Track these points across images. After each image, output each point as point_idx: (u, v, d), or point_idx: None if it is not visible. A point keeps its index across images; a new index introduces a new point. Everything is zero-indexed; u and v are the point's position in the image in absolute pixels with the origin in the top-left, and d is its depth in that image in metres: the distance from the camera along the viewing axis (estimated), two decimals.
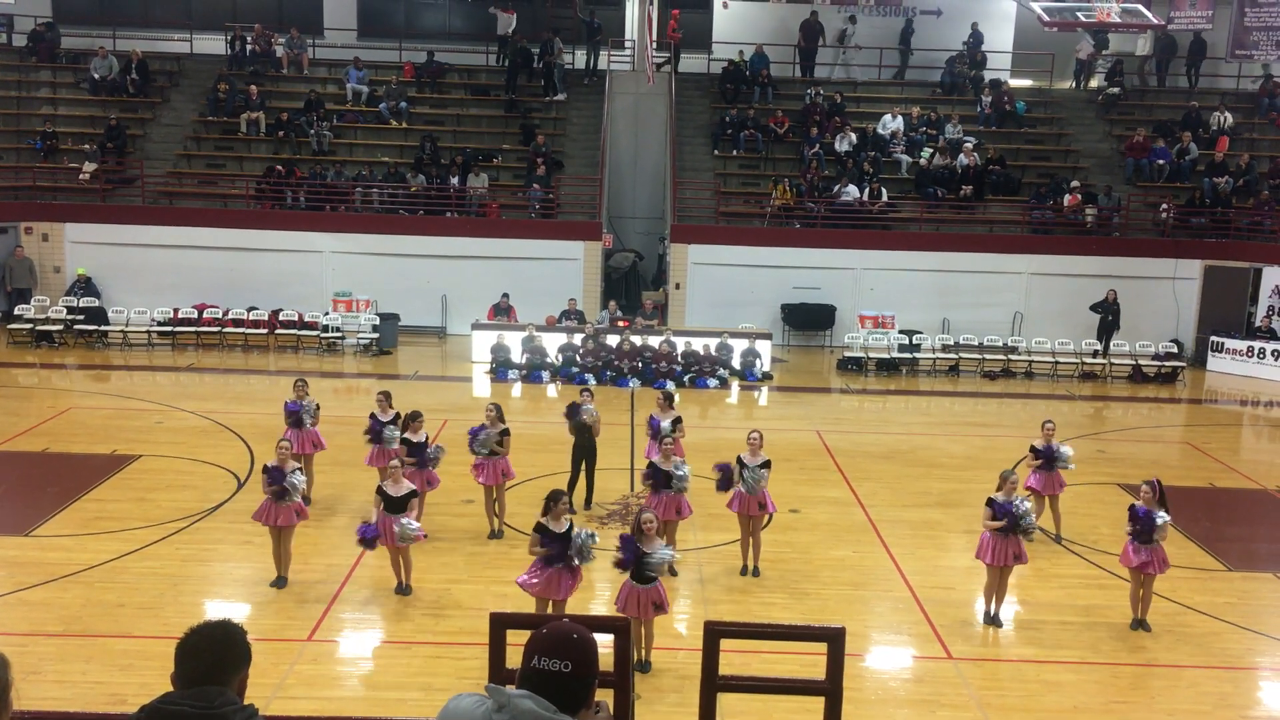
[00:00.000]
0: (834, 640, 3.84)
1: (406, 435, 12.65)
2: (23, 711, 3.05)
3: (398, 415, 13.41)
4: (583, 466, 13.68)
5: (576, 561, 9.53)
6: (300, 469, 11.51)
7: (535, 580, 9.55)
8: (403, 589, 11.04)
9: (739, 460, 11.79)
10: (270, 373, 21.43)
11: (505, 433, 12.77)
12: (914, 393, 22.03)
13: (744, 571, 11.83)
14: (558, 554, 9.46)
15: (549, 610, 9.46)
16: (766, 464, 11.74)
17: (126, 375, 21.16)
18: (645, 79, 26.68)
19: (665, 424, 13.33)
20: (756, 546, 11.86)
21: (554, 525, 9.59)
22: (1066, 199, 25.38)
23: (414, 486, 11.28)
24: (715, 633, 3.89)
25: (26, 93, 27.81)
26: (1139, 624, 10.78)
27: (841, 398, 21.46)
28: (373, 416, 13.46)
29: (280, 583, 11.12)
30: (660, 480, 11.73)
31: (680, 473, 11.75)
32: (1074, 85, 30.22)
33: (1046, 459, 13.06)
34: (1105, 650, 10.38)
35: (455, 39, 30.05)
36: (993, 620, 10.81)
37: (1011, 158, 26.98)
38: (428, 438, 12.91)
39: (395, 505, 10.84)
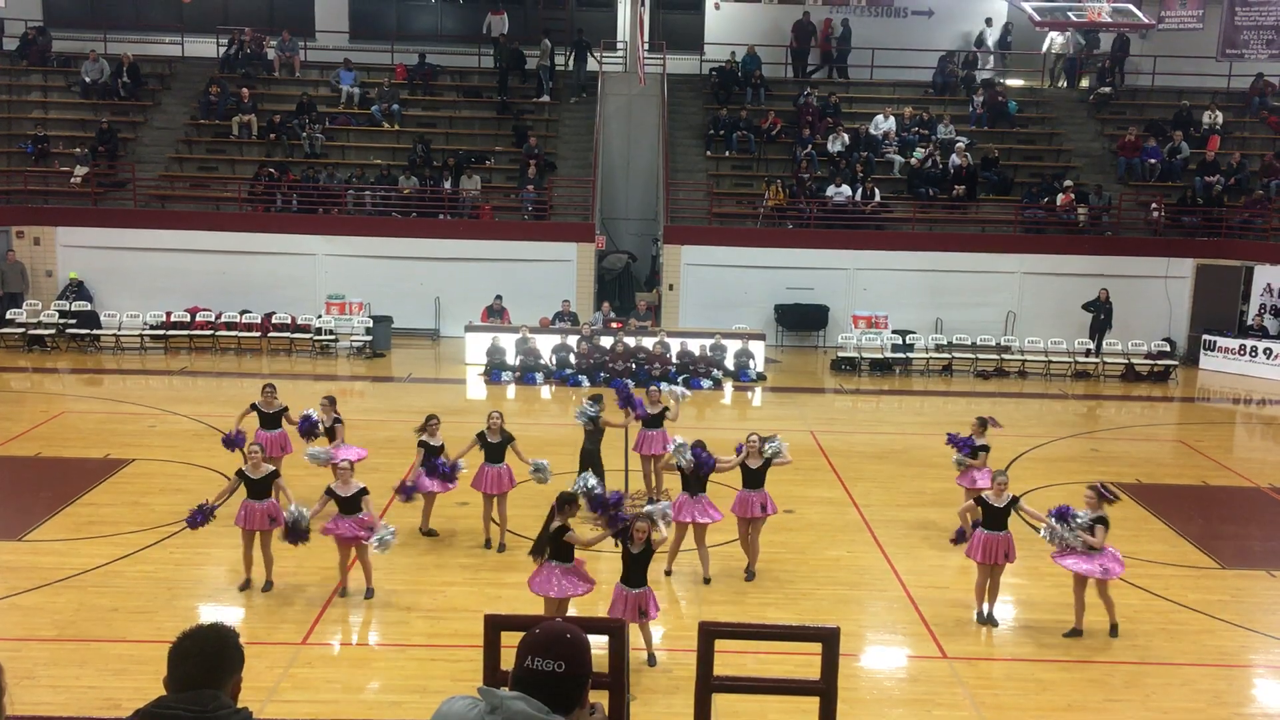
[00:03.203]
0: (828, 640, 3.85)
1: (424, 438, 12.51)
2: (17, 716, 3.05)
3: (337, 421, 13.40)
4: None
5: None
6: (276, 473, 11.41)
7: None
8: (368, 592, 10.95)
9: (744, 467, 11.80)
10: (264, 376, 21.35)
11: (510, 439, 12.47)
12: (907, 393, 22.05)
13: (748, 574, 11.80)
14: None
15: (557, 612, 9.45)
16: (767, 463, 11.73)
17: (119, 379, 21.12)
18: (637, 80, 26.70)
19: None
20: (755, 549, 11.83)
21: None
22: (1059, 198, 25.44)
23: (363, 485, 10.98)
24: (710, 633, 3.89)
25: (17, 96, 27.75)
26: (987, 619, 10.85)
27: (835, 398, 21.47)
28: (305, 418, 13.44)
29: (264, 588, 11.11)
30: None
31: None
32: (1048, 84, 30.28)
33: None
34: (1099, 648, 10.39)
35: (447, 41, 30.05)
36: (988, 619, 10.83)
37: (1003, 157, 27.06)
38: (443, 447, 12.60)
39: (348, 506, 10.72)
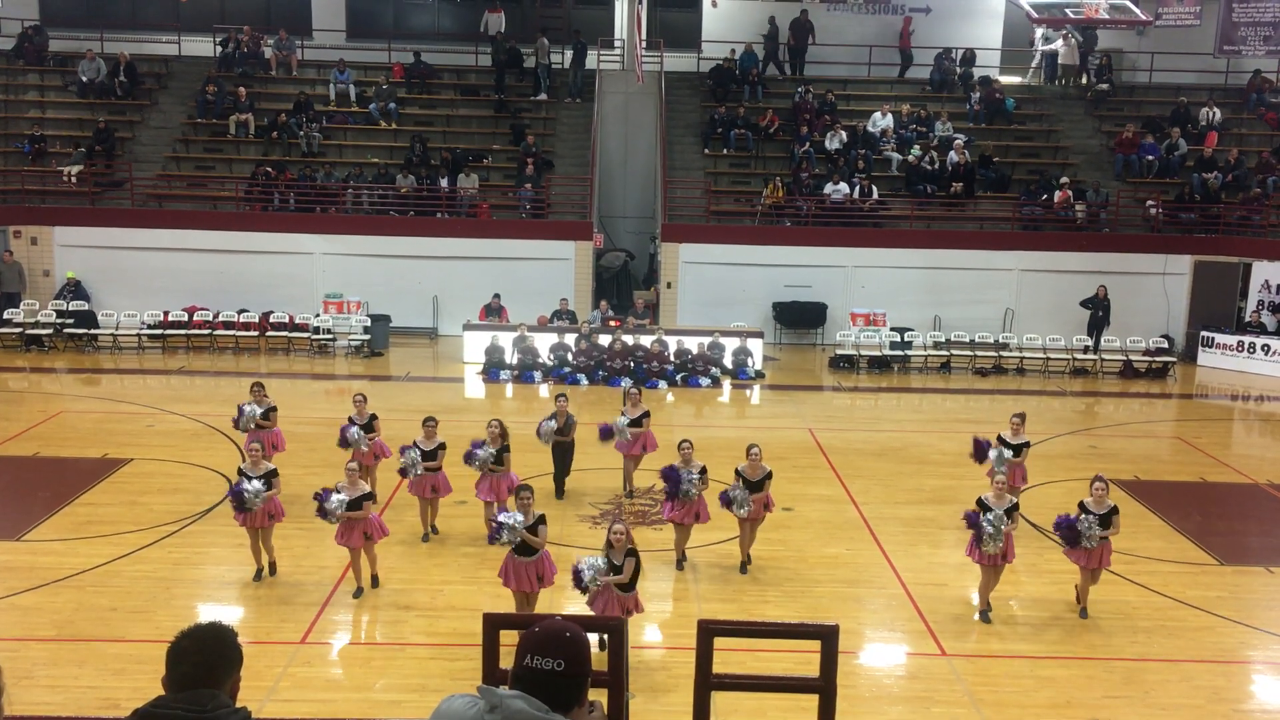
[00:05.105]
0: (827, 637, 3.84)
1: (417, 440, 12.48)
2: (15, 716, 3.04)
3: (373, 417, 13.45)
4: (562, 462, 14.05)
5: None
6: (275, 471, 11.47)
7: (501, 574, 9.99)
8: (357, 592, 10.94)
9: (738, 472, 11.77)
10: (261, 375, 21.35)
11: (505, 449, 12.51)
12: (906, 390, 22.06)
13: (743, 568, 11.83)
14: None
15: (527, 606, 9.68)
16: (767, 475, 11.74)
17: (117, 378, 21.10)
18: (635, 78, 26.67)
19: (622, 421, 13.91)
20: (750, 540, 11.89)
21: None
22: (1056, 195, 25.44)
23: (369, 489, 11.13)
24: (709, 631, 3.88)
25: (14, 96, 27.68)
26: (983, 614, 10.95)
27: (834, 395, 21.47)
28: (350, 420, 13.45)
29: (269, 573, 11.19)
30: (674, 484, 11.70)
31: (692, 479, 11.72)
32: (1034, 80, 30.22)
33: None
34: (1098, 645, 10.41)
35: (444, 39, 30.00)
36: (983, 617, 10.83)
37: (1001, 154, 27.06)
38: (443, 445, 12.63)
39: (351, 508, 10.74)
